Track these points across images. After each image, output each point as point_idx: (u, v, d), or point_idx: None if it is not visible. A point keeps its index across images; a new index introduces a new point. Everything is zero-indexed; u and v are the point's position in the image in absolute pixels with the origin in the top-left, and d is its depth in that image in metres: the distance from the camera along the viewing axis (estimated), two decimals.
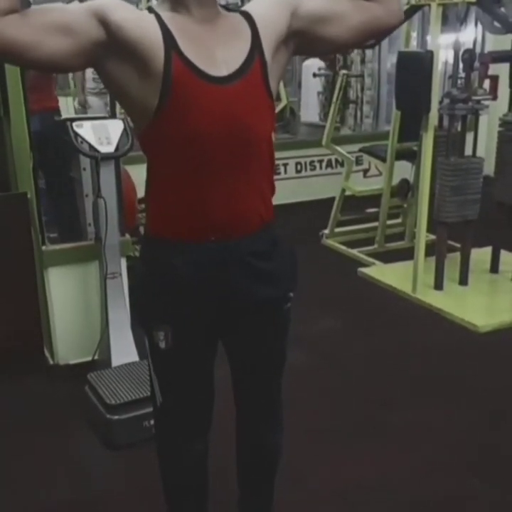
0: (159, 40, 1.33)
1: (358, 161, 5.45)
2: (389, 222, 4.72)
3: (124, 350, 2.78)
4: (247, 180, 1.42)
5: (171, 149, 1.39)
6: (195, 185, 1.40)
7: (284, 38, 1.45)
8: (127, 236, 3.11)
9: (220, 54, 1.37)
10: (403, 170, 4.64)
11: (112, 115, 3.02)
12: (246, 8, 1.49)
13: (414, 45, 5.11)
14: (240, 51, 1.39)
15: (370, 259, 4.42)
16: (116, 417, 2.47)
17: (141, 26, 1.32)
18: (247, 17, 1.44)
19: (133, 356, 2.77)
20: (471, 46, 4.00)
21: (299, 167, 5.86)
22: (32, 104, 2.91)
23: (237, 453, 1.81)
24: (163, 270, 1.48)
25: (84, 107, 5.86)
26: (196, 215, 1.42)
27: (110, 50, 1.31)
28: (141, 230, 4.01)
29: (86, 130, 2.67)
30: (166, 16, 1.37)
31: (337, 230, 4.84)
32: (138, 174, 3.15)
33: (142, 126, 1.41)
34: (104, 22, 1.29)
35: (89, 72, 6.14)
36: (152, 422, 2.46)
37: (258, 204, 1.46)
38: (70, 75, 8.19)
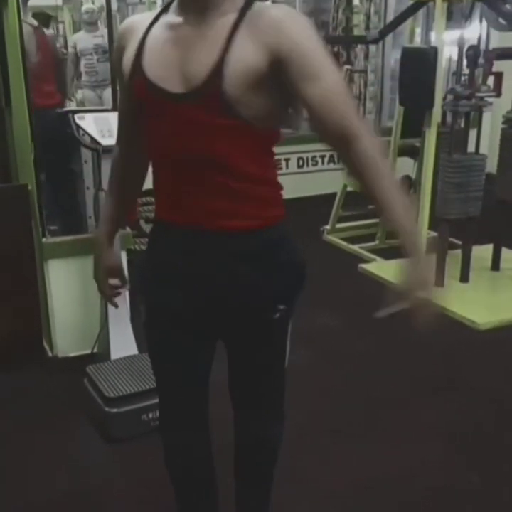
0: (130, 61, 1.41)
1: None
2: None
3: (123, 343, 2.78)
4: (210, 189, 1.41)
5: (149, 148, 1.49)
6: (169, 180, 1.46)
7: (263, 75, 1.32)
8: (128, 229, 3.10)
9: (185, 69, 1.34)
10: (405, 166, 4.63)
11: (114, 108, 3.01)
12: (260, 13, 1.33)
13: (418, 41, 5.09)
14: (204, 69, 1.32)
15: (371, 255, 4.41)
16: (114, 410, 2.46)
17: (129, 53, 1.43)
18: (236, 25, 1.32)
19: (132, 349, 2.77)
20: (475, 43, 3.98)
21: (300, 162, 5.85)
22: (39, 97, 2.92)
23: (235, 448, 1.80)
24: (148, 246, 1.59)
25: (71, 100, 5.83)
26: (173, 206, 1.47)
27: None
28: (142, 223, 4.01)
29: (88, 122, 2.66)
30: (165, 17, 1.41)
31: (338, 225, 4.83)
32: None
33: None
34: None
35: (84, 66, 6.12)
36: (151, 415, 2.48)
37: (225, 209, 1.42)
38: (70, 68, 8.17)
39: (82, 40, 5.87)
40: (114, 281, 1.69)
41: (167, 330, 1.56)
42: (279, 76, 1.31)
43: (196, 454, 1.74)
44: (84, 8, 5.79)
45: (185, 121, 1.36)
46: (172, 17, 1.40)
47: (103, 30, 5.29)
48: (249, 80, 1.30)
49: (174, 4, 1.41)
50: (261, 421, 1.73)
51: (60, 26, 7.48)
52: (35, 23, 4.30)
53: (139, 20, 1.45)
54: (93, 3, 6.03)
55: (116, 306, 1.78)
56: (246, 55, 1.30)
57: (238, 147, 1.37)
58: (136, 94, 1.41)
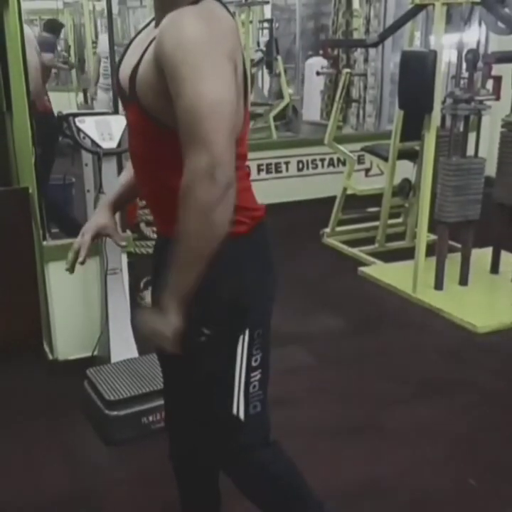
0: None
1: (360, 160, 5.45)
2: (390, 221, 4.72)
3: (123, 347, 2.78)
4: (150, 191, 1.52)
5: None
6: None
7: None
8: (128, 232, 3.11)
9: (124, 70, 1.44)
10: (405, 169, 4.64)
11: (115, 111, 3.02)
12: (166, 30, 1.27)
13: (417, 45, 5.10)
14: (127, 71, 1.40)
15: (371, 259, 4.42)
16: (114, 413, 2.47)
17: None
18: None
19: (132, 352, 2.77)
20: (474, 46, 3.99)
21: (300, 165, 5.85)
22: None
23: None
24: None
25: (94, 99, 5.85)
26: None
27: None
28: (142, 226, 4.01)
29: (88, 125, 2.67)
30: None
31: (338, 228, 4.84)
32: None
33: None
34: None
35: (102, 68, 6.16)
36: (151, 418, 2.49)
37: (162, 214, 1.50)
38: (73, 72, 8.22)
39: (102, 42, 5.89)
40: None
41: None
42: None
43: (180, 466, 1.81)
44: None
45: (129, 121, 1.49)
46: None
47: None
48: (148, 84, 1.31)
49: None
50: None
51: (61, 31, 7.49)
52: None
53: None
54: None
55: (71, 269, 1.66)
56: (145, 62, 1.33)
57: (154, 151, 1.40)
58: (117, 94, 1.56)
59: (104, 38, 5.75)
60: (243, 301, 1.45)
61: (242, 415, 1.50)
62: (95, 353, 2.92)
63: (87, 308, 3.04)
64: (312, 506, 1.69)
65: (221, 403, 1.50)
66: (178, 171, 1.22)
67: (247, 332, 1.46)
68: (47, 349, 3.15)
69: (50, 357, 3.11)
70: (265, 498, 1.64)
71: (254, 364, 1.49)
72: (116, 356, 2.76)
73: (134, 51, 1.42)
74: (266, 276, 1.52)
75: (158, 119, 1.33)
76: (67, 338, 3.06)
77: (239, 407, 1.50)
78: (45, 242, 2.96)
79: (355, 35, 6.73)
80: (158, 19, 1.37)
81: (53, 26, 5.98)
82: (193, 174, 1.18)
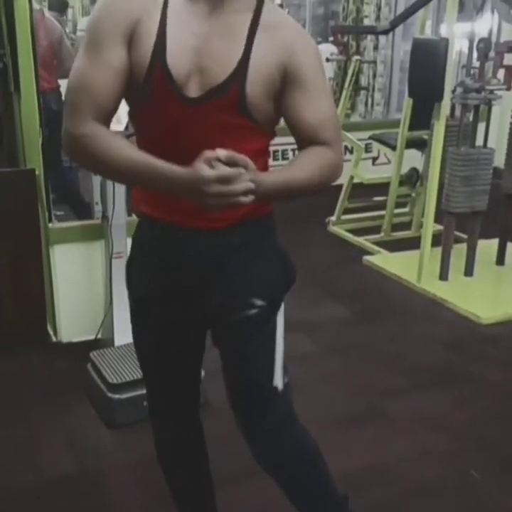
0: (150, 46, 1.31)
1: (368, 149, 5.42)
2: (396, 211, 4.70)
3: (127, 330, 2.75)
4: None
5: (140, 141, 1.45)
6: None
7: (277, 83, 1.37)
8: (134, 216, 3.10)
9: (205, 64, 1.32)
10: (413, 158, 4.61)
11: None
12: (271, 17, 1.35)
13: (428, 33, 5.06)
14: (224, 68, 1.31)
15: (376, 248, 4.41)
16: (117, 396, 2.48)
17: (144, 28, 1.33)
18: (253, 26, 1.34)
19: None
20: (486, 35, 3.96)
21: None
22: (46, 82, 2.91)
23: None
24: (134, 240, 1.58)
25: None
26: (161, 197, 1.40)
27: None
28: None
29: None
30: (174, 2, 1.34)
31: (343, 217, 4.83)
32: None
33: (130, 107, 1.46)
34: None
35: None
36: None
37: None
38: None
39: None
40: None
41: (153, 321, 1.58)
42: (283, 90, 1.36)
43: (173, 446, 1.75)
44: None
45: (192, 116, 1.34)
46: (182, 4, 1.34)
47: None
48: (266, 85, 1.34)
49: None
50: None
51: (69, 11, 7.44)
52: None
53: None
54: None
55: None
56: (265, 63, 1.33)
57: (242, 147, 1.30)
58: (154, 87, 1.32)
59: None
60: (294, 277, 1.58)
61: (280, 386, 1.52)
62: (99, 336, 2.93)
63: (92, 291, 3.04)
64: (333, 488, 1.66)
65: (265, 375, 1.51)
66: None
67: (283, 304, 1.56)
68: (51, 331, 3.16)
69: (54, 339, 3.12)
70: (293, 473, 1.61)
71: (280, 337, 1.55)
72: (119, 340, 2.76)
73: (205, 42, 1.31)
74: None
75: (255, 119, 1.36)
76: (71, 320, 3.07)
77: (277, 379, 1.52)
78: (50, 225, 2.96)
79: (366, 22, 6.68)
80: (208, 4, 1.32)
81: (59, 5, 5.95)
82: (341, 159, 1.43)
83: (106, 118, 1.37)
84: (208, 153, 1.21)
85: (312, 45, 1.41)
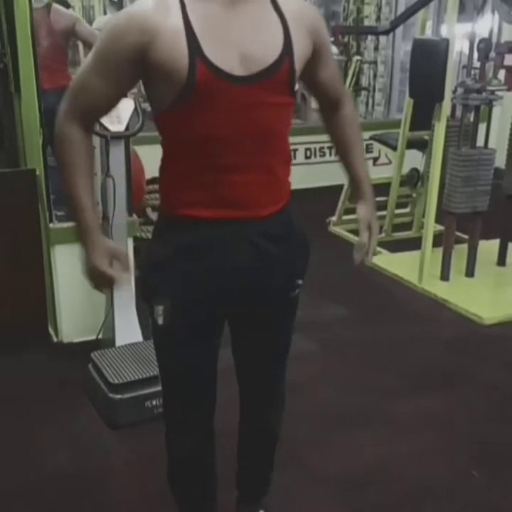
0: (183, 47, 1.31)
1: (368, 149, 5.42)
2: (397, 211, 4.70)
3: (128, 330, 2.78)
4: (264, 170, 1.45)
5: (188, 139, 1.40)
6: (212, 170, 1.41)
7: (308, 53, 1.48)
8: (134, 217, 3.11)
9: (247, 49, 1.35)
10: (413, 159, 4.61)
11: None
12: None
13: (428, 34, 5.05)
14: (269, 50, 1.37)
15: (377, 248, 4.39)
16: (118, 397, 2.48)
17: (168, 39, 1.32)
18: (276, 8, 1.41)
19: (137, 336, 2.78)
20: (487, 36, 3.95)
21: (308, 153, 5.83)
22: (47, 82, 2.91)
23: (240, 430, 1.84)
24: (172, 246, 1.48)
25: None
26: (211, 195, 1.42)
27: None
28: (148, 211, 4.01)
29: None
30: (190, 2, 1.33)
31: (344, 217, 4.82)
32: (147, 155, 3.15)
33: (160, 110, 1.41)
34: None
35: None
36: (154, 402, 2.49)
37: (274, 190, 1.49)
38: (81, 52, 8.19)
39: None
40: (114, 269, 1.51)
41: (199, 325, 1.52)
42: (310, 63, 1.48)
43: (199, 452, 1.71)
44: None
45: (248, 104, 1.37)
46: (200, 3, 1.34)
47: None
48: (303, 62, 1.45)
49: None
50: (269, 412, 1.76)
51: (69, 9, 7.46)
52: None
53: (151, 13, 1.33)
54: None
55: (123, 285, 1.55)
56: (302, 39, 1.42)
57: (287, 125, 1.48)
58: (199, 81, 1.32)
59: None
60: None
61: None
62: (100, 336, 2.93)
63: (93, 291, 3.00)
64: None
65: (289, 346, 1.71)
66: (288, 141, 1.50)
67: None
68: (52, 331, 3.16)
69: (55, 339, 3.12)
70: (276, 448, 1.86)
71: None
72: (120, 340, 2.76)
73: (240, 29, 1.35)
74: None
75: (293, 93, 1.45)
76: (72, 320, 3.07)
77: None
78: (51, 225, 2.96)
79: (366, 23, 6.68)
80: None
81: (60, 4, 5.95)
82: (350, 100, 1.70)
83: (94, 119, 1.52)
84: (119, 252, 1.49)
85: (320, 17, 1.55)
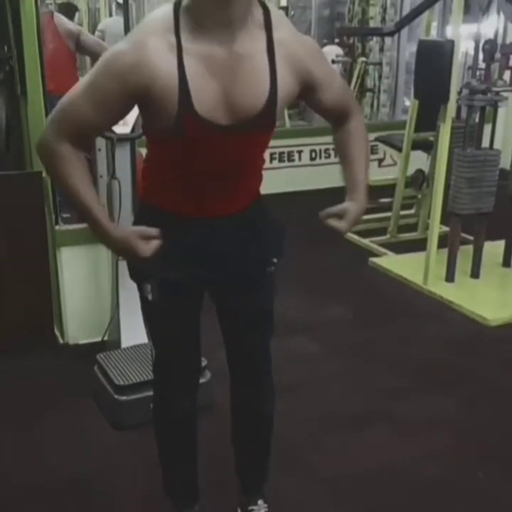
0: (175, 100, 1.38)
1: (374, 150, 5.42)
2: (402, 212, 4.70)
3: (133, 332, 2.79)
4: (242, 185, 1.62)
5: (171, 159, 1.53)
6: (193, 185, 1.55)
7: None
8: None
9: (235, 99, 1.42)
10: (418, 160, 4.61)
11: None
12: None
13: (433, 35, 5.05)
14: (255, 99, 1.43)
15: (382, 249, 4.40)
16: (124, 398, 2.48)
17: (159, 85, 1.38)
18: (269, 40, 1.43)
19: (142, 338, 2.78)
20: (492, 37, 3.95)
21: (313, 154, 5.83)
22: (53, 84, 2.92)
23: (232, 415, 1.91)
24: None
25: None
26: (191, 203, 1.58)
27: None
28: None
29: None
30: (186, 38, 1.37)
31: None
32: None
33: (149, 129, 1.52)
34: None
35: None
36: None
37: (249, 194, 1.66)
38: (87, 57, 8.23)
39: (112, 24, 5.80)
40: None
41: (184, 299, 1.68)
42: (302, 92, 1.52)
43: (187, 419, 1.85)
44: None
45: (230, 144, 1.47)
46: (195, 42, 1.37)
47: None
48: (288, 100, 1.50)
49: (185, 24, 1.37)
50: (255, 394, 1.84)
51: (76, 14, 7.49)
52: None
53: (152, 54, 1.36)
54: None
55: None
56: (287, 82, 1.46)
57: (263, 150, 1.60)
58: (187, 131, 1.41)
59: (116, 20, 5.68)
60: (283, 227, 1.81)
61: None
62: (105, 338, 2.94)
63: (98, 293, 3.05)
64: None
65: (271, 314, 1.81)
66: (263, 156, 1.63)
67: None
68: (57, 333, 3.17)
69: (61, 341, 3.13)
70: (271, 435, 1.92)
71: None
72: (126, 341, 2.77)
73: (229, 78, 1.40)
74: None
75: (274, 125, 1.52)
76: (78, 322, 3.08)
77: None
78: (57, 227, 2.97)
79: (371, 24, 6.68)
80: (223, 31, 1.37)
81: (68, 9, 5.96)
82: (362, 113, 1.77)
83: (84, 142, 1.50)
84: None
85: (309, 42, 1.55)
